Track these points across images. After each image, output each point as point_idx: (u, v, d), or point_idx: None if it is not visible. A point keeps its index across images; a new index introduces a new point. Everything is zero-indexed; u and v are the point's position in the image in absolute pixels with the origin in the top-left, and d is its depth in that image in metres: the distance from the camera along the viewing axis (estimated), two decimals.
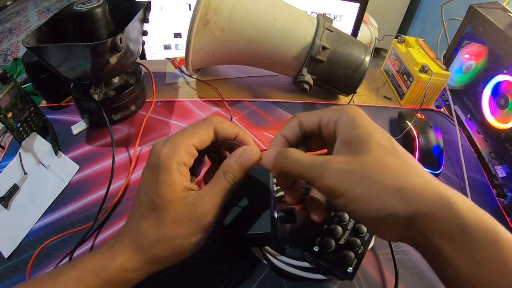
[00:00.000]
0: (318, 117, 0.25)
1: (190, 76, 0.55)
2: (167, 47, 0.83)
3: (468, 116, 0.60)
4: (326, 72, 0.50)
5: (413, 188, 0.20)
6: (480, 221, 0.19)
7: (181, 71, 0.57)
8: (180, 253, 0.24)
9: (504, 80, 0.53)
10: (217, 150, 0.30)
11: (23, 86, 0.43)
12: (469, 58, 0.62)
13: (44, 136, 0.44)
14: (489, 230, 0.19)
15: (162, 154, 0.23)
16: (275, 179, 0.32)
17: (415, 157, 0.45)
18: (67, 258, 0.33)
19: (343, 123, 0.23)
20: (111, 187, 0.38)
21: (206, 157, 0.30)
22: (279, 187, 0.37)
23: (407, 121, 0.49)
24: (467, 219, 0.19)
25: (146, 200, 0.24)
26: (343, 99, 0.56)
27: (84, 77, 0.39)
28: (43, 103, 0.49)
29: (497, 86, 0.55)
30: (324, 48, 0.48)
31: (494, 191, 0.47)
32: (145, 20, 0.45)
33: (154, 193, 0.23)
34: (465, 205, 0.19)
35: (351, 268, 0.29)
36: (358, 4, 0.81)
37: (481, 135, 0.57)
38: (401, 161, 0.21)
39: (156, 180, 0.23)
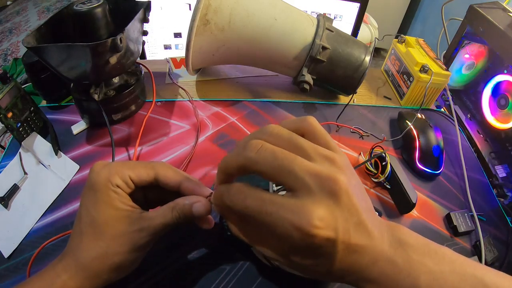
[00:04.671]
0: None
1: (172, 80, 0.55)
2: (167, 47, 0.83)
3: (468, 116, 0.60)
4: (326, 72, 0.50)
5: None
6: None
7: (170, 75, 0.57)
8: (118, 269, 0.25)
9: (504, 80, 0.53)
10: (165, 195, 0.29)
11: (23, 86, 0.43)
12: (469, 58, 0.62)
13: (44, 136, 0.44)
14: None
15: (101, 175, 0.25)
16: None
17: (415, 157, 0.45)
18: None
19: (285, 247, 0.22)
20: None
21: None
22: (279, 187, 0.37)
23: (407, 121, 0.49)
24: None
25: (86, 216, 0.25)
26: (343, 99, 0.56)
27: (84, 77, 0.39)
28: (43, 103, 0.49)
29: (497, 86, 0.55)
30: (324, 48, 0.48)
31: (494, 191, 0.47)
32: (145, 20, 0.45)
33: (94, 209, 0.24)
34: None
35: None
36: (358, 4, 0.81)
37: (481, 135, 0.57)
38: (331, 277, 0.22)
39: (95, 197, 0.25)
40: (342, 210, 0.19)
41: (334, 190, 0.19)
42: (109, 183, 0.25)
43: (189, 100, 0.51)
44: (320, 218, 0.19)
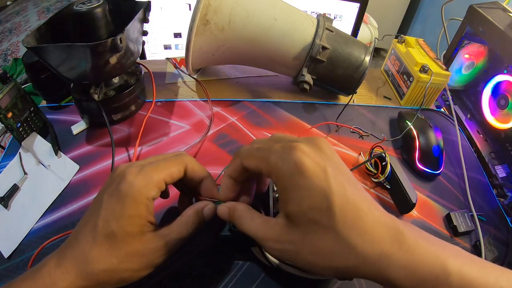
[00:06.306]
0: (258, 166, 0.24)
1: (190, 75, 0.55)
2: (167, 47, 0.83)
3: (468, 116, 0.60)
4: (326, 72, 0.50)
5: (344, 268, 0.21)
6: None
7: (180, 70, 0.57)
8: (122, 283, 0.24)
9: (504, 80, 0.53)
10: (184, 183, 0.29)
11: (23, 86, 0.43)
12: (469, 58, 0.62)
13: (44, 136, 0.44)
14: None
15: (135, 186, 0.23)
16: None
17: (415, 157, 0.45)
18: None
19: (280, 193, 0.23)
20: None
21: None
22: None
23: (407, 121, 0.49)
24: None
25: (105, 228, 0.23)
26: (343, 99, 0.56)
27: (84, 77, 0.39)
28: (43, 103, 0.49)
29: (497, 86, 0.55)
30: (324, 48, 0.48)
31: (494, 191, 0.47)
32: (145, 20, 0.45)
33: (115, 223, 0.23)
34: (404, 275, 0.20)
35: None
36: (358, 4, 0.81)
37: (481, 135, 0.57)
38: (335, 239, 0.21)
39: (122, 210, 0.23)
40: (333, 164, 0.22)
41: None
42: (144, 198, 0.23)
43: (207, 100, 0.51)
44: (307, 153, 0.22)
